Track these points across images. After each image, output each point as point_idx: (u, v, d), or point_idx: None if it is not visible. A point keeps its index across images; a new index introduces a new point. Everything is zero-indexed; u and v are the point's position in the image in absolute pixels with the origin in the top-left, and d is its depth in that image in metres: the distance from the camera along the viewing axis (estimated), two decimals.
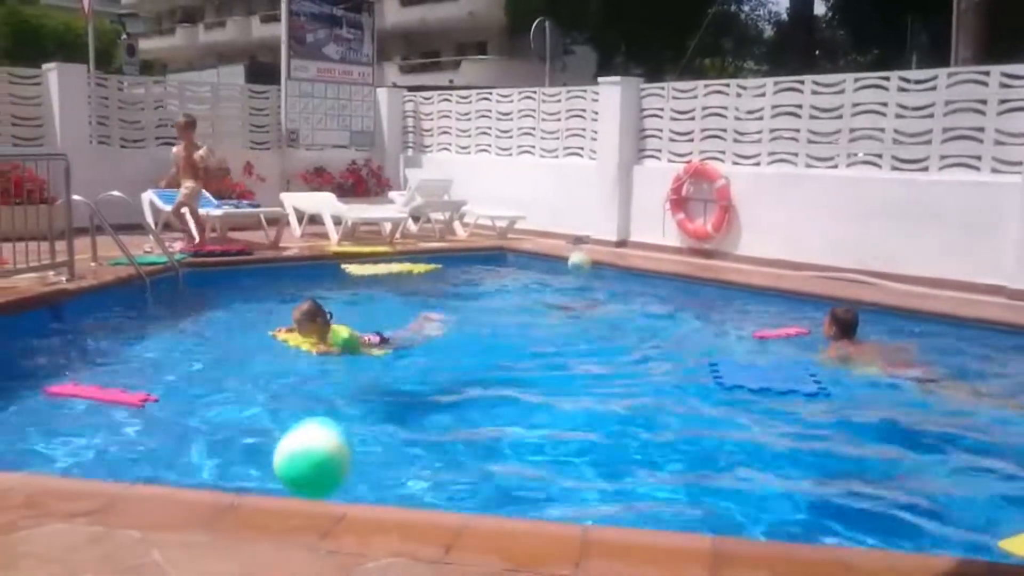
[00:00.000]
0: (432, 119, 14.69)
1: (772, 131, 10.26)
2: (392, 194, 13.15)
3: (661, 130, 11.39)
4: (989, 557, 3.20)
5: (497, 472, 4.10)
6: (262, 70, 25.09)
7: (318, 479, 3.15)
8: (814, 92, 9.89)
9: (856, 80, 9.63)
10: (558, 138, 12.69)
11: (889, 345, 6.53)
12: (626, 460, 4.31)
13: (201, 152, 9.83)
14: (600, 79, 12.35)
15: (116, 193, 8.42)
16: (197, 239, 9.67)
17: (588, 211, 11.79)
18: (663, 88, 11.50)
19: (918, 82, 9.14)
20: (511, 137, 13.37)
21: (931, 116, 8.97)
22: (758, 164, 10.39)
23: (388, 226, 11.30)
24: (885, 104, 9.30)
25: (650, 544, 2.80)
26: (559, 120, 12.67)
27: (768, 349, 6.61)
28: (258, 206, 11.06)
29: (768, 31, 35.45)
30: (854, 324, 6.36)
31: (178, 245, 9.43)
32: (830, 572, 2.57)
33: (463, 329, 6.81)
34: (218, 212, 10.30)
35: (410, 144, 15.05)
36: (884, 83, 9.35)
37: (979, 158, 8.68)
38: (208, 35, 52.27)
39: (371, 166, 14.31)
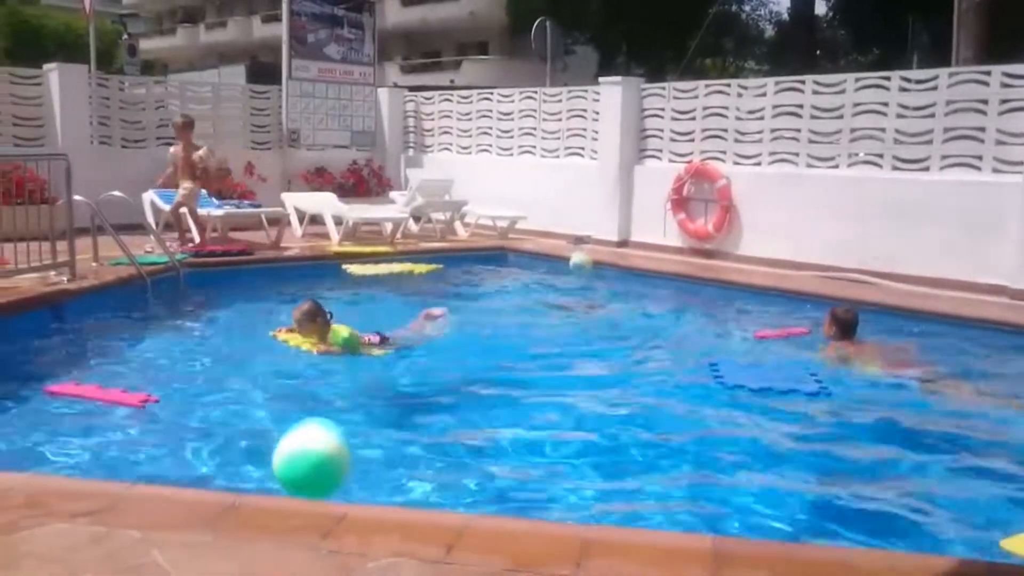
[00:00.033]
0: (433, 119, 14.69)
1: (773, 131, 10.26)
2: (393, 194, 13.15)
3: (662, 130, 11.39)
4: (990, 557, 3.20)
5: (498, 472, 4.10)
6: (263, 70, 25.10)
7: (317, 480, 3.15)
8: (815, 92, 9.89)
9: (857, 80, 9.63)
10: (559, 138, 12.69)
11: (889, 345, 6.53)
12: (627, 460, 4.32)
13: (201, 152, 9.83)
14: (601, 79, 12.35)
15: (117, 193, 8.43)
16: (197, 239, 9.67)
17: (589, 211, 11.79)
18: (664, 88, 11.50)
19: (919, 82, 9.13)
20: (512, 137, 13.37)
21: (932, 116, 8.97)
22: (759, 164, 10.39)
23: (389, 226, 11.30)
24: (886, 104, 9.29)
25: (651, 544, 2.80)
26: (560, 120, 12.67)
27: (769, 349, 6.61)
28: (259, 206, 11.06)
29: (769, 31, 35.48)
30: (854, 324, 6.36)
31: (175, 246, 9.42)
32: (831, 572, 2.57)
33: (464, 329, 6.81)
34: (219, 212, 10.31)
35: (411, 144, 15.05)
36: (885, 83, 9.35)
37: (980, 158, 8.67)
38: (209, 35, 52.29)
39: (372, 166, 14.31)
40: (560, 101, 12.70)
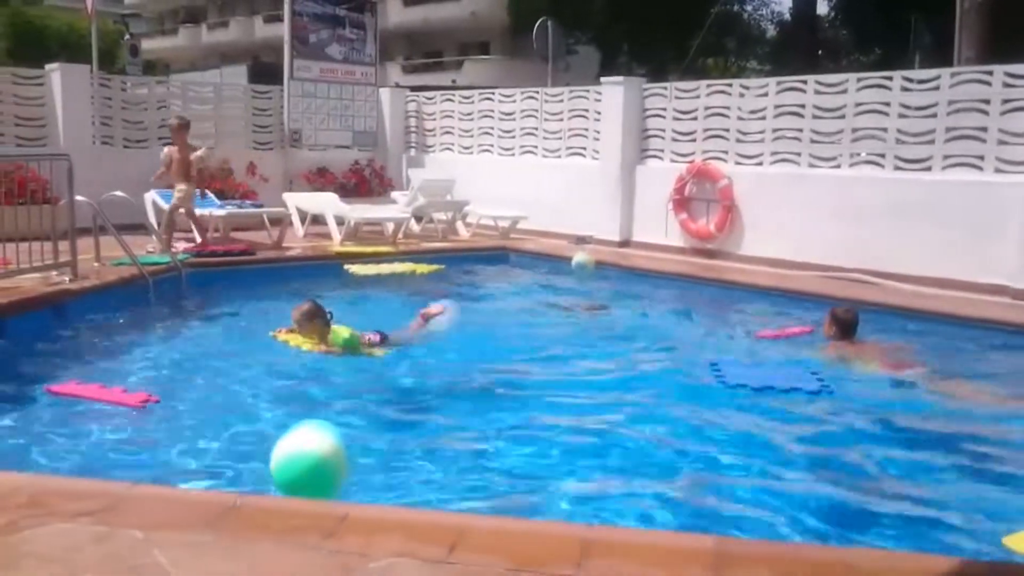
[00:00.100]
0: (435, 119, 14.70)
1: (775, 131, 10.25)
2: (395, 194, 13.15)
3: (664, 130, 11.38)
4: (992, 556, 3.20)
5: (499, 472, 4.10)
6: (265, 70, 25.09)
7: (313, 483, 3.16)
8: (817, 92, 9.88)
9: (859, 80, 9.62)
10: (561, 138, 12.69)
11: (889, 345, 6.53)
12: (628, 460, 4.31)
13: (200, 153, 9.82)
14: (603, 79, 12.35)
15: (119, 193, 8.43)
16: (199, 240, 9.67)
17: (591, 211, 11.79)
18: (666, 88, 11.49)
19: (921, 82, 9.13)
20: (514, 137, 13.37)
21: (934, 116, 8.96)
22: (761, 164, 10.38)
23: (391, 226, 11.30)
24: (888, 104, 9.29)
25: (653, 544, 2.80)
26: (562, 120, 12.67)
27: (770, 348, 6.61)
28: (261, 206, 11.07)
29: (771, 31, 35.48)
30: (854, 324, 6.36)
31: (180, 245, 9.43)
32: (832, 572, 2.57)
33: (465, 329, 6.80)
34: (221, 212, 10.31)
35: (413, 144, 15.05)
36: (887, 83, 9.34)
37: (982, 158, 8.67)
38: (211, 35, 52.32)
39: (374, 166, 14.32)
40: (562, 101, 12.70)
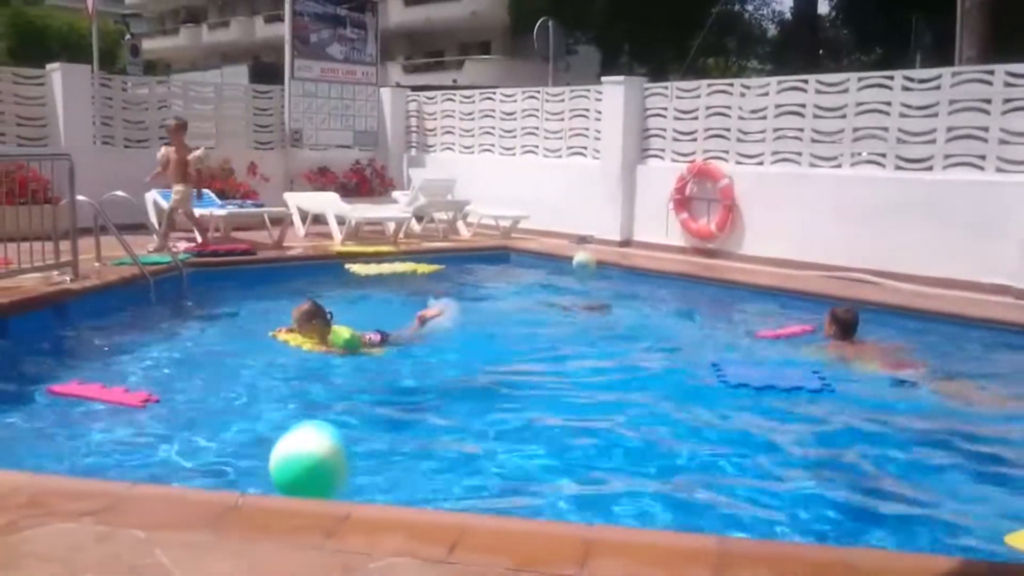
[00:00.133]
0: (435, 119, 14.70)
1: (776, 130, 10.25)
2: (396, 194, 13.14)
3: (665, 129, 11.38)
4: (992, 557, 3.19)
5: (500, 471, 4.10)
6: (266, 70, 25.11)
7: (311, 484, 3.15)
8: (818, 91, 9.88)
9: (860, 79, 9.62)
10: (561, 138, 12.69)
11: (889, 344, 6.54)
12: (629, 459, 4.31)
13: (198, 153, 9.81)
14: (604, 79, 12.34)
15: (120, 193, 8.43)
16: (200, 240, 9.66)
17: (592, 211, 11.79)
18: (667, 87, 11.49)
19: (922, 81, 9.12)
20: (514, 137, 13.37)
21: (935, 115, 8.96)
22: (762, 163, 10.38)
23: (392, 226, 11.30)
24: (889, 103, 9.28)
25: (655, 544, 2.80)
26: (562, 120, 12.67)
27: (772, 348, 6.61)
28: (262, 206, 11.08)
29: (772, 30, 35.44)
30: (854, 324, 6.37)
31: (181, 245, 9.43)
32: (832, 572, 2.57)
33: (466, 328, 6.80)
34: (222, 212, 10.31)
35: (414, 144, 15.06)
36: (888, 82, 9.33)
37: (983, 157, 8.66)
38: (212, 35, 52.32)
39: (375, 166, 14.32)
40: (563, 101, 12.70)
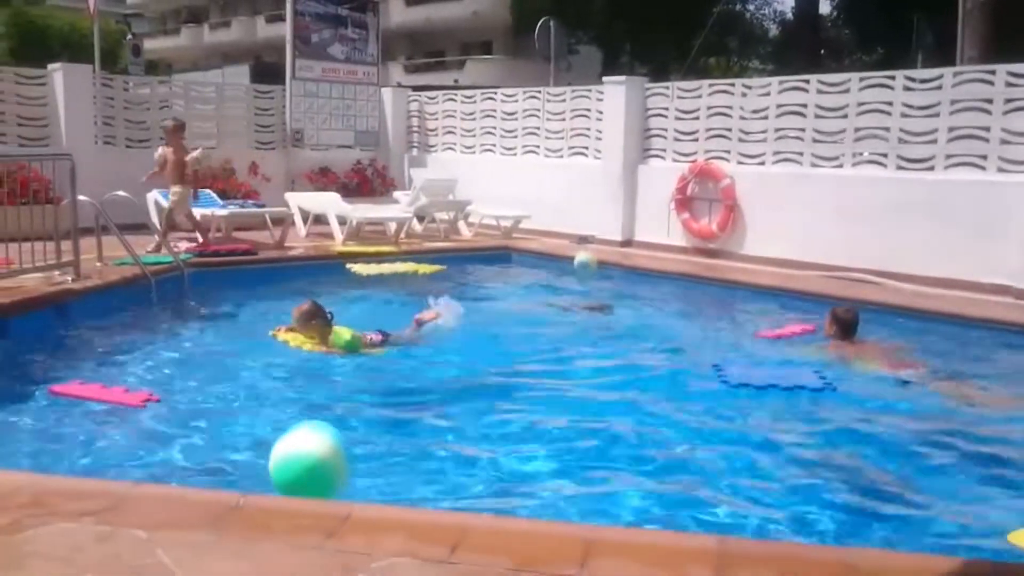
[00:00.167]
0: (437, 119, 14.70)
1: (777, 130, 10.25)
2: (397, 194, 13.14)
3: (666, 129, 11.38)
4: (992, 557, 3.19)
5: (501, 471, 4.10)
6: (267, 70, 25.09)
7: (311, 484, 3.16)
8: (819, 91, 9.88)
9: (861, 79, 9.61)
10: (563, 138, 12.69)
11: (889, 344, 6.54)
12: (631, 459, 4.31)
13: (196, 154, 9.81)
14: (605, 79, 12.34)
15: (121, 193, 8.44)
16: (201, 240, 9.67)
17: (593, 211, 11.79)
18: (668, 88, 11.49)
19: (923, 81, 9.12)
20: (516, 137, 13.37)
21: (937, 115, 8.95)
22: (763, 163, 10.38)
23: (393, 226, 11.30)
24: (890, 103, 9.28)
25: (655, 544, 2.80)
26: (564, 120, 12.67)
27: (773, 348, 6.61)
28: (263, 206, 11.08)
29: (773, 30, 35.44)
30: (854, 324, 6.37)
31: (183, 245, 9.44)
32: (833, 572, 2.57)
33: (467, 328, 6.80)
34: (223, 212, 10.32)
35: (415, 144, 15.06)
36: (889, 82, 9.33)
37: (985, 157, 8.65)
38: (213, 35, 52.34)
39: (376, 166, 14.32)
40: (564, 101, 12.70)
